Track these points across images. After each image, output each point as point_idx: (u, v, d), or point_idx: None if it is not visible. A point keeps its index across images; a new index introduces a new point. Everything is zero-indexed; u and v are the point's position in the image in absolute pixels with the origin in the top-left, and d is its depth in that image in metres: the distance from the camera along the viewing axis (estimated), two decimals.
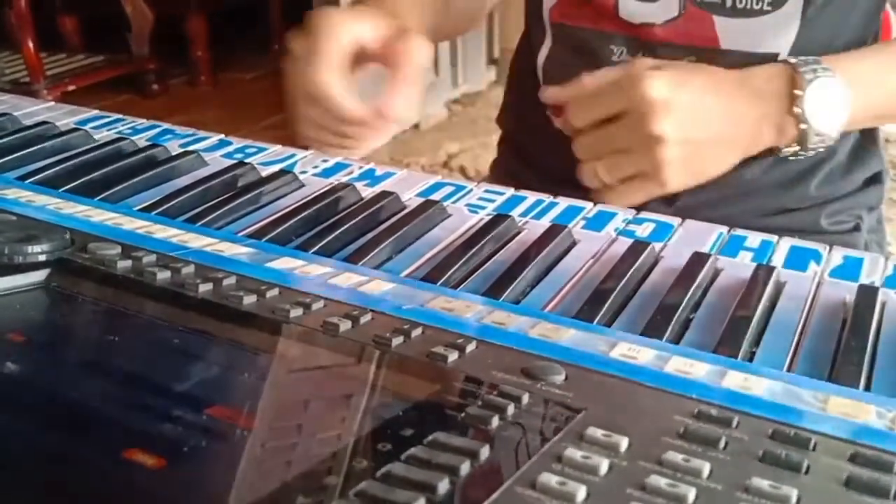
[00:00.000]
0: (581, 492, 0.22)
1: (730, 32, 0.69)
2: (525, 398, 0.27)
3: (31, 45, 2.88)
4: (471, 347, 0.32)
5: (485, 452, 0.24)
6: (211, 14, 3.40)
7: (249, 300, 0.35)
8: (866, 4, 0.71)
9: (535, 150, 0.85)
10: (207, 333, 0.33)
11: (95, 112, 0.74)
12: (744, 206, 0.74)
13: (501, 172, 0.90)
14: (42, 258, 0.38)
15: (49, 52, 3.17)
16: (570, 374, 0.30)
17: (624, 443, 0.25)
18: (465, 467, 0.23)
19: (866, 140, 0.79)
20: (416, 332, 0.33)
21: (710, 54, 0.70)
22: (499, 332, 0.34)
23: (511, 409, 0.27)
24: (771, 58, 0.69)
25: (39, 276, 0.37)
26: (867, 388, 0.34)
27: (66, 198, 0.50)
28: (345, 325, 0.33)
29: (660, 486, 0.23)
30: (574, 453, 0.24)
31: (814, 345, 0.39)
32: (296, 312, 0.34)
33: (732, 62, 0.70)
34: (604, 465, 0.24)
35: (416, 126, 2.89)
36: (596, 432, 0.25)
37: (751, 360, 0.37)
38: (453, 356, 0.31)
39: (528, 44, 0.83)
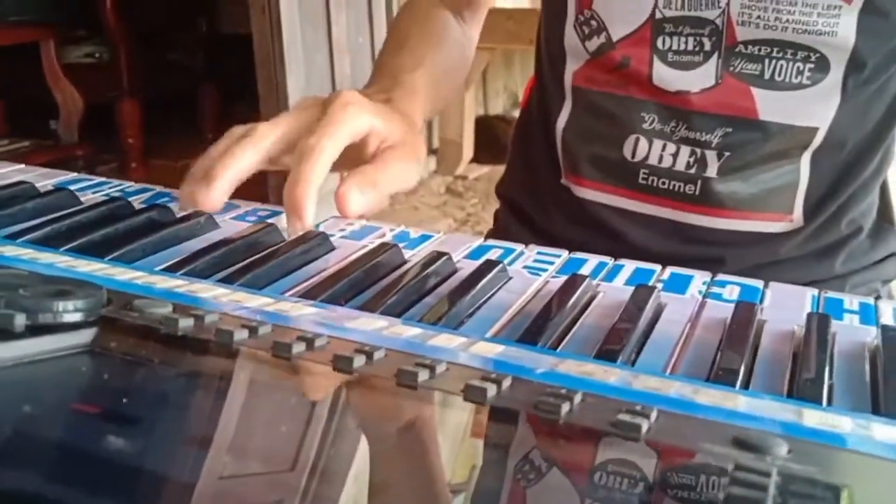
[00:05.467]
0: None
1: (768, 104, 0.67)
2: (774, 474, 0.22)
3: None
4: (654, 415, 0.26)
5: None
6: (142, 101, 3.33)
7: (360, 362, 0.28)
8: None
9: (548, 221, 0.80)
10: (323, 399, 0.26)
11: (74, 175, 0.67)
12: (778, 277, 0.71)
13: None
14: (78, 317, 0.31)
15: None
16: (794, 446, 0.24)
17: None
18: None
19: (884, 220, 0.78)
20: (578, 399, 0.27)
21: (747, 125, 0.68)
22: (664, 398, 0.29)
23: (772, 490, 0.21)
24: (811, 132, 0.68)
25: (84, 336, 0.30)
26: None
27: (74, 256, 0.43)
28: (491, 391, 0.27)
29: None
30: None
31: None
32: (423, 376, 0.28)
33: (770, 134, 0.68)
34: None
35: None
36: None
37: None
38: (645, 426, 0.25)
39: (541, 109, 0.80)
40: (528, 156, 0.85)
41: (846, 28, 0.64)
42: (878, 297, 0.77)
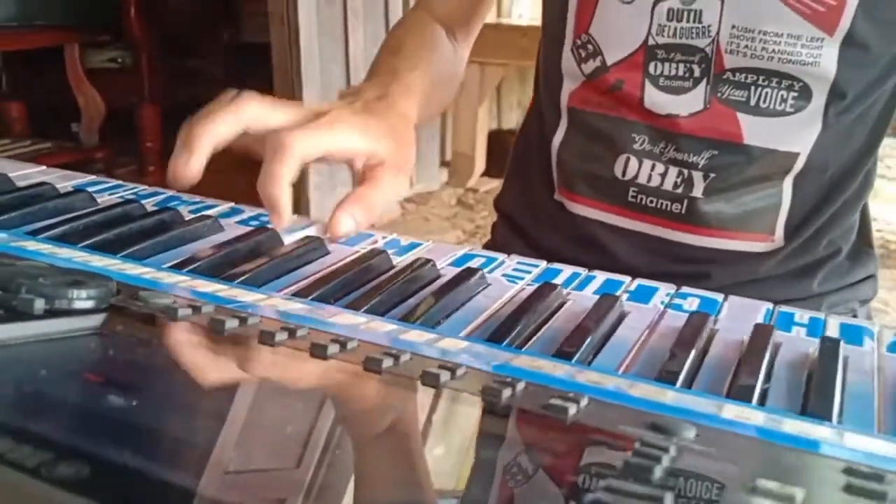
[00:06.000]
0: None
1: (753, 129, 0.70)
2: (673, 450, 0.25)
3: None
4: (584, 402, 0.30)
5: (668, 500, 0.22)
6: (163, 107, 3.40)
7: (334, 350, 0.32)
8: (877, 114, 0.73)
9: (542, 234, 0.84)
10: (295, 381, 0.30)
11: (92, 177, 0.71)
12: (757, 295, 0.75)
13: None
14: (90, 304, 0.35)
15: None
16: (701, 432, 0.28)
17: (800, 495, 0.23)
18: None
19: (863, 243, 0.81)
20: (521, 386, 0.31)
21: (732, 148, 0.71)
22: (600, 390, 0.32)
23: (666, 461, 0.25)
24: (792, 156, 0.71)
25: (95, 320, 0.34)
26: None
27: (89, 252, 0.47)
28: (445, 377, 0.31)
29: None
30: (761, 502, 0.22)
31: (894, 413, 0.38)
32: (387, 363, 0.31)
33: (754, 158, 0.71)
34: None
35: None
36: (767, 483, 0.24)
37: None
38: (573, 409, 0.29)
39: (539, 127, 0.84)
40: (525, 172, 0.88)
41: (828, 59, 0.68)
42: (853, 317, 0.81)
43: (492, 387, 0.30)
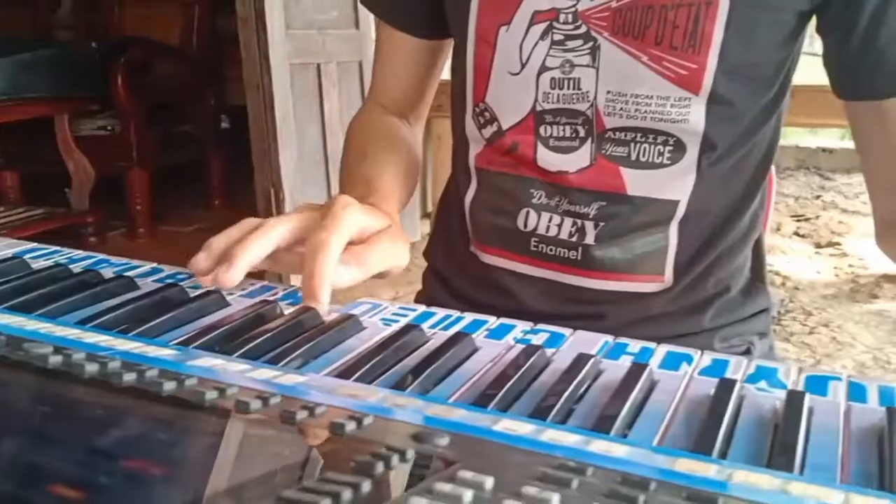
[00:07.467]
0: None
1: (635, 181, 0.78)
2: (409, 453, 0.31)
3: None
4: (368, 420, 0.36)
5: (366, 486, 0.28)
6: (151, 170, 3.50)
7: (169, 386, 0.39)
8: (755, 161, 0.80)
9: (461, 283, 0.91)
10: (128, 414, 0.37)
11: (33, 245, 0.78)
12: (648, 332, 0.80)
13: (426, 303, 0.96)
14: None
15: None
16: (454, 439, 0.34)
17: (489, 482, 0.29)
18: (346, 494, 0.27)
19: (756, 278, 0.88)
20: (321, 410, 0.37)
21: (618, 199, 0.78)
22: (396, 411, 0.38)
23: (395, 461, 0.30)
24: (673, 204, 0.78)
25: None
26: (722, 457, 0.39)
27: (2, 312, 0.54)
28: (255, 405, 0.37)
29: None
30: (443, 487, 0.28)
31: (681, 428, 0.44)
32: (211, 395, 0.38)
33: (638, 206, 0.78)
34: (468, 496, 0.28)
35: None
36: (466, 473, 0.29)
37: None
38: (351, 426, 0.35)
39: (455, 186, 0.91)
40: (446, 227, 0.96)
41: (696, 115, 0.75)
42: (747, 351, 0.87)
43: (290, 411, 0.36)
